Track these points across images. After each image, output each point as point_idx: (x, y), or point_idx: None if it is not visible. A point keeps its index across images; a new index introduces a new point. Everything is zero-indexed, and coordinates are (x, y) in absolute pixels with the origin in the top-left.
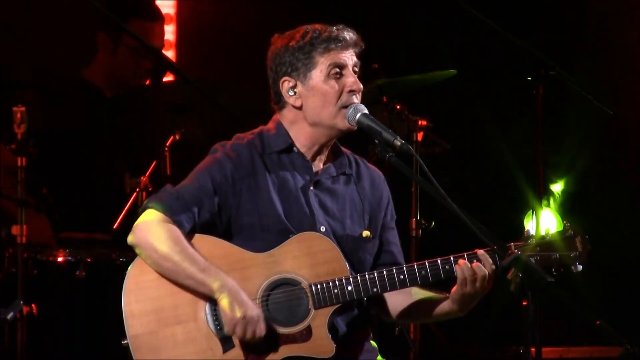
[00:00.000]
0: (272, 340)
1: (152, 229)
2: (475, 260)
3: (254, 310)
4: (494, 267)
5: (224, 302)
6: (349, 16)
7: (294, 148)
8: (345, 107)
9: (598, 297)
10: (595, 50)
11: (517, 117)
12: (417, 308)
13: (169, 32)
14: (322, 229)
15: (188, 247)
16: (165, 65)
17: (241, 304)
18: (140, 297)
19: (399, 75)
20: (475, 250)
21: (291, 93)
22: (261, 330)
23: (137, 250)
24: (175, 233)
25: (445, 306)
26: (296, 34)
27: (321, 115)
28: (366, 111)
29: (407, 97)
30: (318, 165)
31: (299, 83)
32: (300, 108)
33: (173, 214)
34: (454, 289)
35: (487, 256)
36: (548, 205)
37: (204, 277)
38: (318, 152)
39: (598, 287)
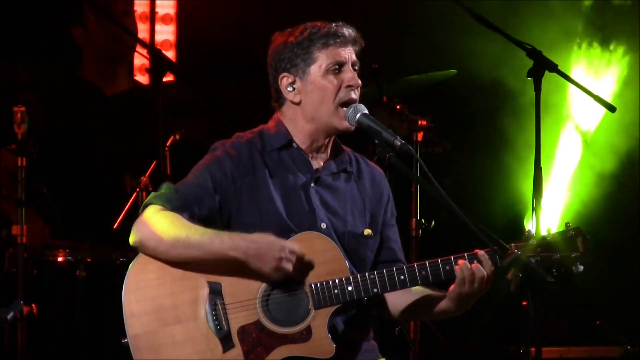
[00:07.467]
0: (272, 341)
1: (152, 220)
2: (475, 261)
3: (274, 251)
4: (493, 268)
5: (252, 266)
6: (349, 16)
7: (294, 144)
8: (343, 103)
9: (598, 296)
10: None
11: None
12: (416, 306)
13: (169, 32)
14: (323, 225)
15: (190, 224)
16: (165, 65)
17: (262, 255)
18: (140, 296)
19: (399, 75)
20: (476, 250)
21: (290, 89)
22: (293, 251)
23: (142, 247)
24: (176, 217)
25: (442, 304)
26: (295, 31)
27: (319, 112)
28: (366, 111)
29: (407, 97)
30: (318, 162)
31: (297, 79)
32: (298, 104)
33: (173, 207)
34: (452, 287)
35: (487, 257)
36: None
37: (217, 245)
38: (317, 149)
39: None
